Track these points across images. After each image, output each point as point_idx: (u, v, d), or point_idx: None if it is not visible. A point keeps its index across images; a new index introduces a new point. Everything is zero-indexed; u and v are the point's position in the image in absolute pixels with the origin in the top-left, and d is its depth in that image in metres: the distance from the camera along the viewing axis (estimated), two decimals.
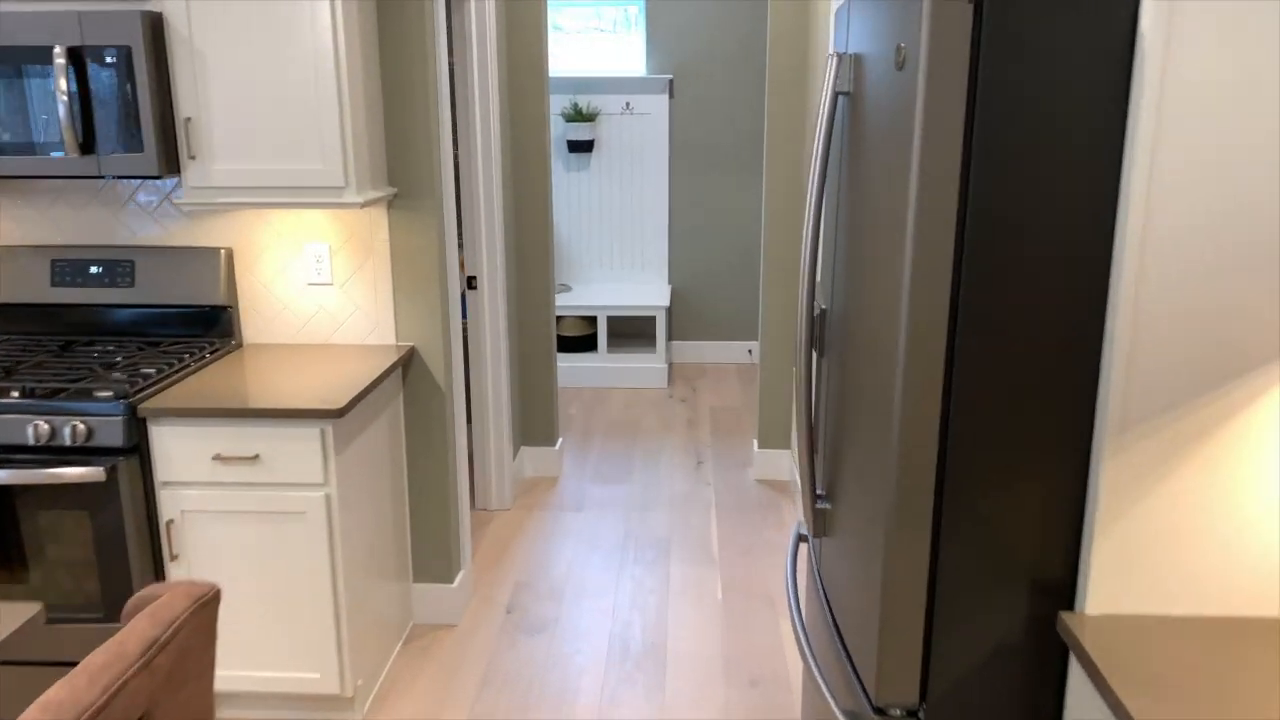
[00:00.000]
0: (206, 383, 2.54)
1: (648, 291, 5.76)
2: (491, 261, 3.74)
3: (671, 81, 5.71)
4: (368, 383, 2.55)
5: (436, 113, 2.85)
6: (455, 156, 4.24)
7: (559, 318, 5.58)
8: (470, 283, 3.76)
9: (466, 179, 3.65)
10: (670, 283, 5.99)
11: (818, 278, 2.05)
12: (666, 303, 5.54)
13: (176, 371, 2.59)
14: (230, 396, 2.43)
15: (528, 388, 4.25)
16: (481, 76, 3.59)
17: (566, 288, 5.84)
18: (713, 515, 3.90)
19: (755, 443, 4.32)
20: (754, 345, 6.06)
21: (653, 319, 5.52)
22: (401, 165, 2.81)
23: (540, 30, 3.90)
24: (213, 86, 2.48)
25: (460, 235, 4.33)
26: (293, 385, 2.52)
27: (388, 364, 2.73)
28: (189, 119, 2.49)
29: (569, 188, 5.86)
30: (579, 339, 5.61)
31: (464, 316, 4.36)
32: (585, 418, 5.08)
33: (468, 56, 3.55)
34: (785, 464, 4.26)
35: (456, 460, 3.11)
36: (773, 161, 4.03)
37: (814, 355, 1.98)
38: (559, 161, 5.83)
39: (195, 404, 2.37)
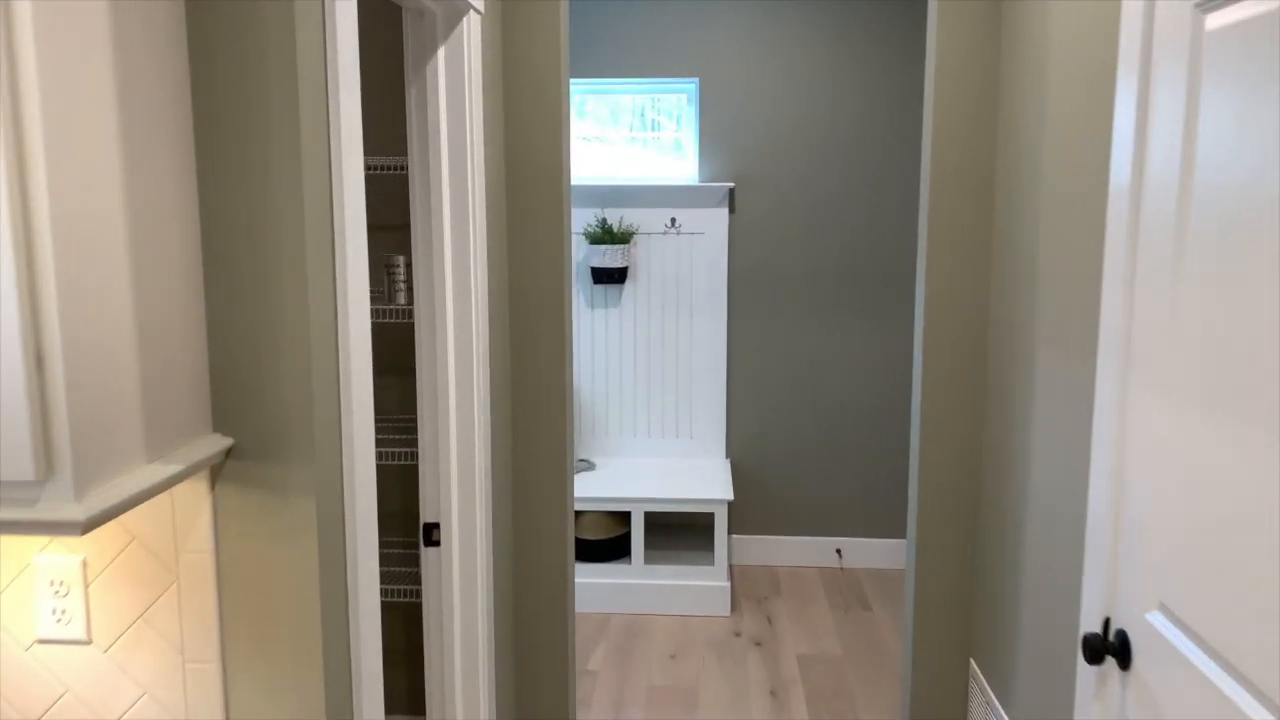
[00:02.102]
0: None
1: (701, 473, 4.18)
2: (467, 495, 2.17)
3: (732, 191, 4.25)
4: None
5: (332, 275, 1.32)
6: (411, 312, 2.70)
7: (576, 514, 4.00)
8: (428, 534, 2.19)
9: (429, 357, 2.12)
10: (729, 456, 4.41)
11: None
12: (729, 493, 3.94)
13: None
14: None
15: (528, 682, 2.63)
16: (458, 187, 2.09)
17: (588, 465, 4.26)
18: None
19: None
20: (844, 544, 4.44)
21: (710, 515, 3.97)
22: (245, 389, 1.27)
23: (557, 118, 2.43)
24: None
25: (417, 440, 2.74)
26: None
27: None
28: None
29: (593, 329, 4.34)
30: (605, 544, 4.00)
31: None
32: (614, 675, 3.44)
33: (433, 159, 2.06)
34: None
35: None
36: (939, 300, 2.50)
37: None
38: (580, 295, 4.33)
39: None
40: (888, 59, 4.14)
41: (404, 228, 2.63)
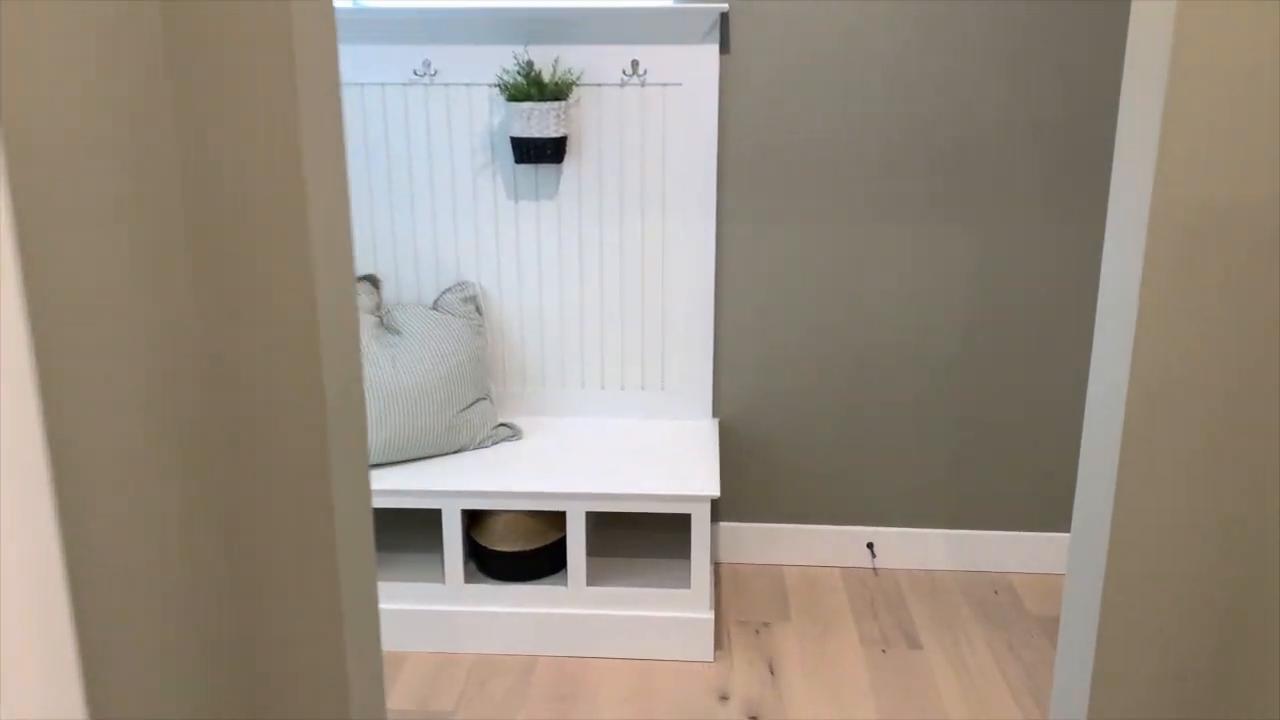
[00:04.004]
0: None
1: (675, 443, 2.85)
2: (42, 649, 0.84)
3: (725, 18, 2.78)
4: None
5: None
6: None
7: (482, 514, 2.69)
8: None
9: None
10: (717, 416, 3.07)
11: None
12: (714, 481, 2.63)
13: None
14: None
15: None
16: None
17: (511, 432, 2.93)
18: None
19: None
20: (877, 536, 3.14)
21: (686, 517, 2.67)
22: None
23: None
24: None
25: None
26: None
27: None
28: None
29: (517, 232, 2.95)
30: (527, 557, 2.71)
31: None
32: None
33: None
34: None
35: None
36: (1181, 192, 1.11)
37: None
38: (497, 179, 2.91)
39: None
40: None
41: None
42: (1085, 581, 1.43)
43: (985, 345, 2.96)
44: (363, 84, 2.84)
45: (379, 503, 2.60)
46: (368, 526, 1.31)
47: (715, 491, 2.57)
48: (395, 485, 2.59)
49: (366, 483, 1.30)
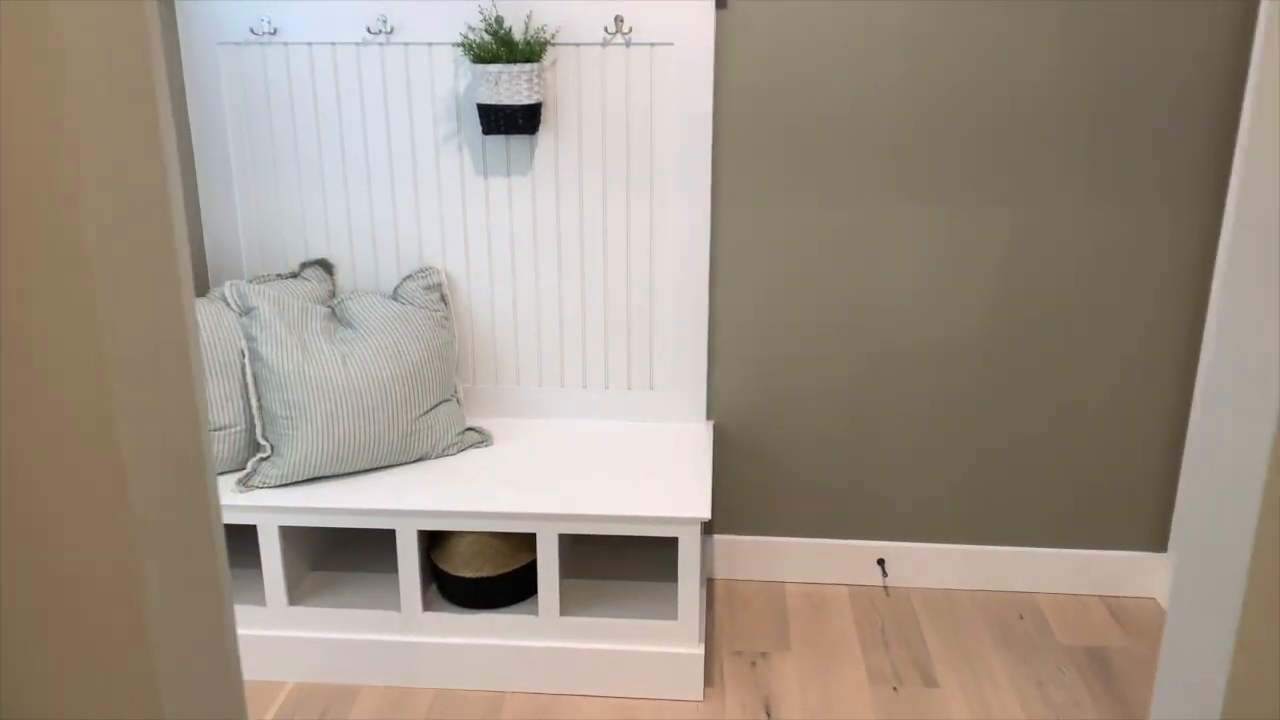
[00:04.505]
0: None
1: (664, 450, 2.53)
2: None
3: None
4: None
5: None
6: None
7: (443, 533, 2.38)
8: None
9: None
10: (711, 419, 2.75)
11: None
12: (704, 501, 2.31)
13: None
14: None
15: None
16: None
17: (480, 438, 2.62)
18: None
19: None
20: (889, 552, 2.83)
21: (672, 542, 2.35)
22: None
23: None
24: None
25: None
26: None
27: None
28: None
29: (487, 211, 2.61)
30: (492, 583, 2.40)
31: None
32: None
33: None
34: None
35: None
36: None
37: None
38: (465, 151, 2.57)
39: None
40: None
41: None
42: (1208, 613, 1.12)
43: (1014, 341, 2.63)
44: (310, 43, 2.49)
45: (323, 522, 2.30)
46: (217, 569, 1.00)
47: (706, 513, 2.25)
48: (342, 503, 2.29)
49: (216, 513, 0.99)
